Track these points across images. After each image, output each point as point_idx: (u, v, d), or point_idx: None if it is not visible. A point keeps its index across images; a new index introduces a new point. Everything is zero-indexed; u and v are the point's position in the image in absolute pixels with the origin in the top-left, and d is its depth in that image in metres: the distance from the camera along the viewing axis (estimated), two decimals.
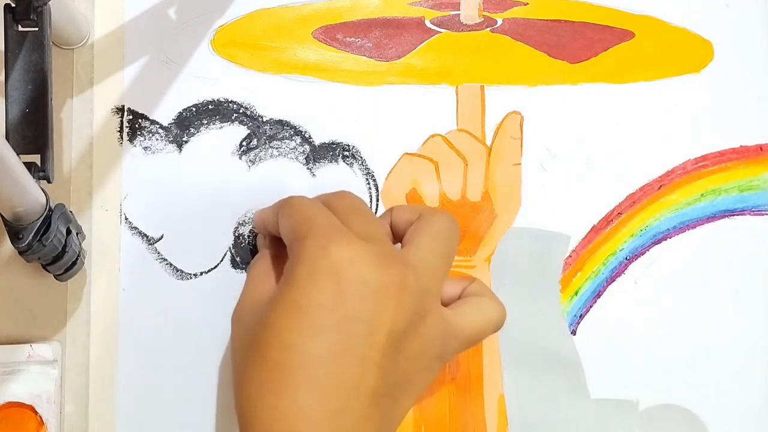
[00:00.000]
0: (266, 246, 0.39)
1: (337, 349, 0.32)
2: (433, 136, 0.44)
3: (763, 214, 0.44)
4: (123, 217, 0.43)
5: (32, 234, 0.36)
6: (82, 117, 0.44)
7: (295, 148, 0.44)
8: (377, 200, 0.44)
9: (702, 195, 0.44)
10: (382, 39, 0.45)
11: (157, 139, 0.44)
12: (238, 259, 0.43)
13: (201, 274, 0.43)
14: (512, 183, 0.44)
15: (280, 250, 0.38)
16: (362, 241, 0.34)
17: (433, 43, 0.45)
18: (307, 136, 0.44)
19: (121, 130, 0.44)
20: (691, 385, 0.43)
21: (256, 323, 0.34)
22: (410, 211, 0.38)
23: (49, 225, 0.37)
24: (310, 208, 0.36)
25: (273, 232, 0.38)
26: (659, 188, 0.44)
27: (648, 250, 0.44)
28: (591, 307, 0.44)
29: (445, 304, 0.37)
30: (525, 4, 0.46)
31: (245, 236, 0.43)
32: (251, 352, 0.33)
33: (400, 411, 0.34)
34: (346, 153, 0.44)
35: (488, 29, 0.45)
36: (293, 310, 0.32)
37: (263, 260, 0.38)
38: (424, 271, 0.35)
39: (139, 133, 0.44)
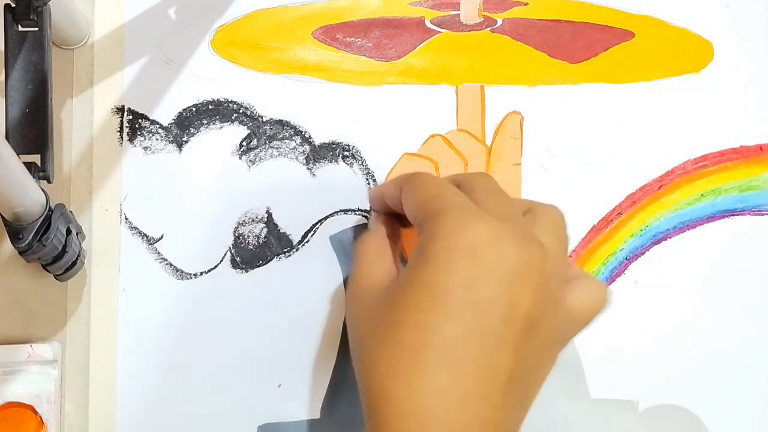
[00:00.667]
0: (380, 222, 0.38)
1: (475, 331, 0.31)
2: (433, 136, 0.44)
3: (763, 214, 0.44)
4: (123, 217, 0.43)
5: (32, 234, 0.36)
6: (82, 117, 0.44)
7: (295, 148, 0.44)
8: None
9: (702, 195, 0.44)
10: (382, 39, 0.45)
11: (157, 139, 0.44)
12: (238, 259, 0.43)
13: (201, 274, 0.43)
14: (512, 183, 0.44)
15: (393, 229, 0.37)
16: (501, 222, 0.32)
17: (433, 43, 0.45)
18: (307, 136, 0.44)
19: (121, 130, 0.44)
20: (691, 385, 0.43)
21: (384, 303, 0.33)
22: (523, 202, 0.37)
23: (49, 225, 0.37)
24: (441, 185, 0.35)
25: (394, 207, 0.37)
26: (659, 188, 0.44)
27: (648, 250, 0.44)
28: None
29: None
30: (525, 4, 0.46)
31: (245, 236, 0.43)
32: (381, 333, 0.32)
33: (529, 401, 0.33)
34: (346, 153, 0.44)
35: (488, 29, 0.45)
36: (430, 290, 0.31)
37: (375, 238, 0.37)
38: (553, 256, 0.34)
39: (139, 133, 0.44)
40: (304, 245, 0.43)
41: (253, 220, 0.43)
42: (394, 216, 0.39)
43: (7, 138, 0.38)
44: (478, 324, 0.31)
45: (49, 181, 0.38)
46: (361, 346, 0.34)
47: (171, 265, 0.43)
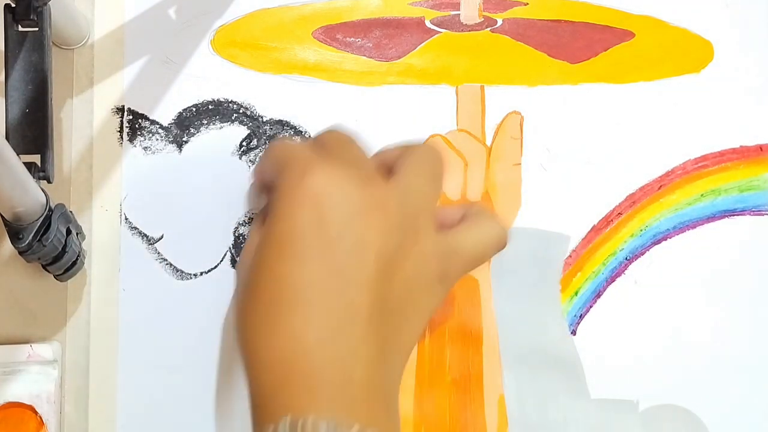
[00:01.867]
0: (261, 201, 0.38)
1: (327, 273, 0.31)
2: (433, 136, 0.44)
3: (763, 214, 0.44)
4: (123, 217, 0.43)
5: (32, 234, 0.36)
6: (82, 117, 0.44)
7: None
8: None
9: (702, 195, 0.44)
10: (382, 39, 0.45)
11: (157, 139, 0.44)
12: (238, 259, 0.43)
13: (201, 274, 0.43)
14: (512, 183, 0.44)
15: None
16: (342, 166, 0.33)
17: (433, 43, 0.45)
18: (307, 136, 0.44)
19: (121, 130, 0.44)
20: (691, 385, 0.43)
21: (249, 269, 0.33)
22: (397, 148, 0.38)
23: (49, 225, 0.37)
24: (289, 146, 0.35)
25: (265, 180, 0.37)
26: (659, 188, 0.44)
27: (648, 250, 0.44)
28: (591, 307, 0.44)
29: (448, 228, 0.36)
30: (525, 4, 0.46)
31: (245, 236, 0.43)
32: (246, 297, 0.33)
33: (404, 336, 0.34)
34: None
35: (488, 29, 0.45)
36: (279, 241, 0.32)
37: (257, 216, 0.37)
38: (412, 192, 0.34)
39: (139, 133, 0.44)
40: None
41: (253, 220, 0.43)
42: None
43: (7, 138, 0.38)
44: (329, 266, 0.31)
45: (49, 181, 0.38)
46: (235, 318, 0.34)
47: (171, 265, 0.43)
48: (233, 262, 0.43)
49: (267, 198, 0.37)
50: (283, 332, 0.31)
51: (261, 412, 0.32)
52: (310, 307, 0.31)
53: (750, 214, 0.44)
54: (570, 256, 0.44)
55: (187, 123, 0.44)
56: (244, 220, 0.43)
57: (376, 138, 0.44)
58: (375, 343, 0.32)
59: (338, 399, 0.31)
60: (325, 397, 0.30)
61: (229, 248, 0.43)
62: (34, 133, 0.38)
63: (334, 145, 0.36)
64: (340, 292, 0.31)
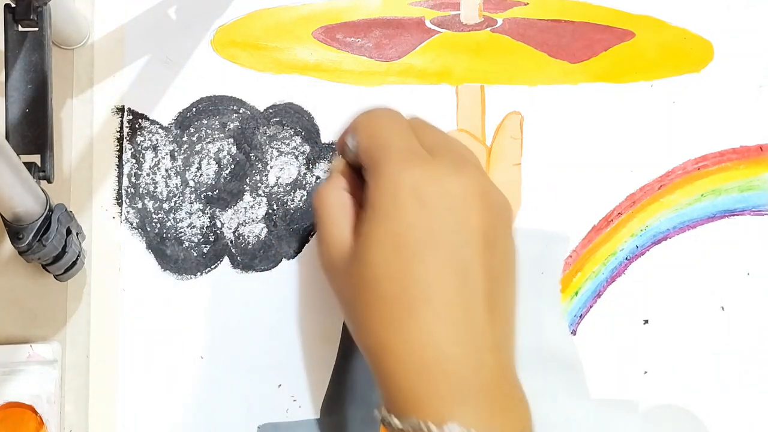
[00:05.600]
0: (339, 169, 0.38)
1: (442, 264, 0.33)
2: None
3: (763, 214, 0.44)
4: (123, 217, 0.43)
5: (32, 234, 0.36)
6: (82, 117, 0.44)
7: (295, 148, 0.44)
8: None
9: (702, 195, 0.44)
10: (382, 39, 0.45)
11: (157, 139, 0.44)
12: (238, 259, 0.43)
13: (201, 274, 0.43)
14: (512, 183, 0.44)
15: (352, 176, 0.38)
16: (435, 156, 0.35)
17: (433, 43, 0.45)
18: (307, 136, 0.44)
19: (121, 130, 0.44)
20: (691, 385, 0.43)
21: (355, 264, 0.34)
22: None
23: (49, 225, 0.37)
24: (388, 126, 0.36)
25: (347, 157, 0.38)
26: (659, 188, 0.44)
27: (648, 250, 0.44)
28: (591, 307, 0.44)
29: None
30: (525, 4, 0.46)
31: (245, 236, 0.43)
32: (362, 291, 0.34)
33: (511, 314, 0.35)
34: None
35: (488, 29, 0.45)
36: (390, 240, 0.33)
37: (334, 191, 0.37)
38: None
39: (139, 133, 0.44)
40: (304, 245, 0.43)
41: (253, 220, 0.43)
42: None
43: (7, 138, 0.38)
44: (442, 256, 0.33)
45: (49, 181, 0.38)
46: (349, 310, 0.35)
47: (171, 265, 0.43)
48: (233, 262, 0.43)
49: (346, 173, 0.38)
50: (415, 327, 0.32)
51: (397, 404, 0.32)
52: (435, 300, 0.32)
53: (750, 214, 0.44)
54: (570, 256, 0.44)
55: (187, 123, 0.44)
56: (244, 220, 0.43)
57: None
58: (497, 324, 0.33)
59: (472, 395, 0.32)
60: (460, 395, 0.32)
61: (229, 248, 0.43)
62: (34, 133, 0.38)
63: (424, 130, 0.37)
64: (458, 281, 0.33)
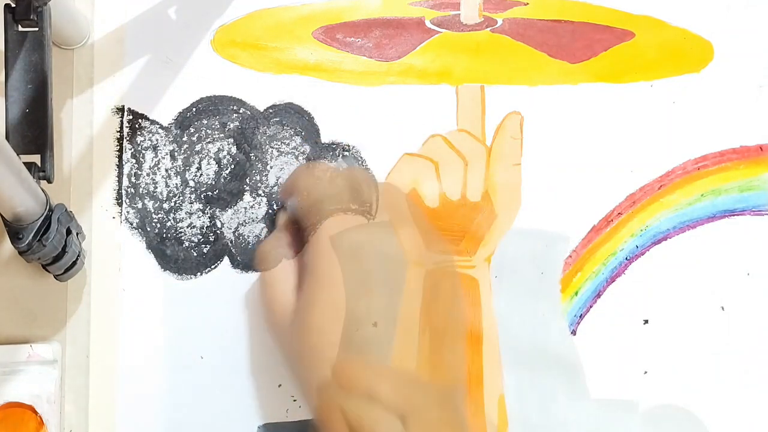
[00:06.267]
0: (282, 225, 0.39)
1: (384, 306, 0.34)
2: (433, 136, 0.44)
3: (763, 214, 0.44)
4: (123, 217, 0.43)
5: (32, 234, 0.36)
6: (82, 117, 0.44)
7: (295, 148, 0.44)
8: (377, 200, 0.44)
9: (702, 195, 0.44)
10: (382, 39, 0.45)
11: (157, 139, 0.44)
12: (238, 259, 0.43)
13: (201, 274, 0.43)
14: (512, 183, 0.44)
15: (296, 231, 0.39)
16: (373, 216, 0.36)
17: (433, 43, 0.45)
18: (307, 136, 0.44)
19: (121, 130, 0.44)
20: (691, 385, 0.43)
21: (297, 325, 0.35)
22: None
23: (49, 225, 0.37)
24: (323, 191, 0.37)
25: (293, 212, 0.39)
26: (659, 188, 0.44)
27: (648, 250, 0.44)
28: (591, 307, 0.44)
29: None
30: (525, 4, 0.46)
31: (245, 236, 0.43)
32: (303, 357, 0.35)
33: (459, 338, 0.38)
34: (346, 153, 0.44)
35: (488, 29, 0.45)
36: (329, 306, 0.34)
37: (277, 250, 0.38)
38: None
39: (139, 133, 0.44)
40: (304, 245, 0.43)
41: (253, 220, 0.43)
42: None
43: (7, 138, 0.38)
44: (383, 299, 0.35)
45: (49, 181, 0.38)
46: (293, 369, 0.36)
47: (171, 265, 0.43)
48: (233, 262, 0.43)
49: (287, 231, 0.39)
50: (360, 364, 0.34)
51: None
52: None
53: (750, 214, 0.44)
54: (570, 256, 0.44)
55: (187, 123, 0.44)
56: (245, 220, 0.43)
57: (376, 138, 0.44)
58: (433, 349, 0.35)
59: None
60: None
61: (229, 248, 0.43)
62: (34, 133, 0.38)
63: (350, 183, 0.38)
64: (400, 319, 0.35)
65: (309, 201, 0.36)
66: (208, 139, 0.44)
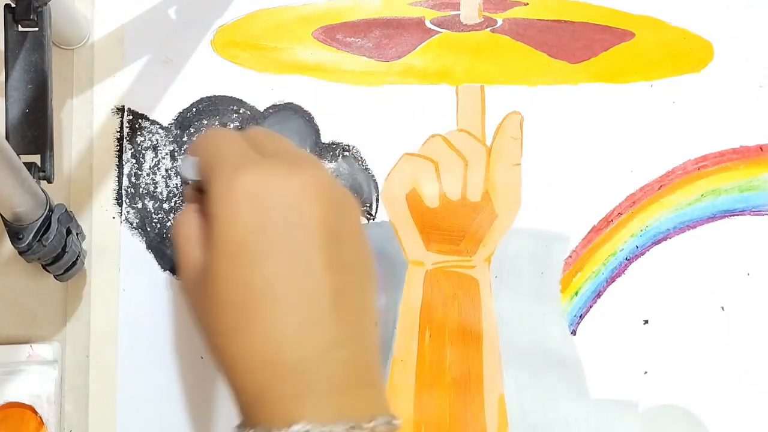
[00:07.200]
0: (189, 198, 0.38)
1: (284, 265, 0.32)
2: (433, 136, 0.44)
3: (763, 214, 0.44)
4: (123, 217, 0.43)
5: (32, 234, 0.36)
6: (82, 117, 0.44)
7: None
8: (377, 200, 0.44)
9: (702, 195, 0.44)
10: (382, 39, 0.45)
11: (157, 139, 0.44)
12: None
13: None
14: (512, 183, 0.44)
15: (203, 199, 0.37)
16: (269, 158, 0.34)
17: (433, 43, 0.45)
18: (307, 136, 0.44)
19: (121, 130, 0.44)
20: (691, 385, 0.43)
21: (203, 278, 0.33)
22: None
23: (49, 225, 0.37)
24: (220, 140, 0.36)
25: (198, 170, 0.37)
26: (659, 188, 0.44)
27: (648, 250, 0.44)
28: (591, 307, 0.44)
29: None
30: (525, 4, 0.46)
31: None
32: (211, 306, 0.33)
33: (368, 313, 0.34)
34: (347, 153, 0.44)
35: (488, 29, 0.45)
36: (230, 249, 0.32)
37: (188, 217, 0.36)
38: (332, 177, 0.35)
39: (139, 133, 0.44)
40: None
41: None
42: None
43: (7, 138, 0.38)
44: (285, 259, 0.32)
45: (49, 181, 0.38)
46: (201, 327, 0.34)
47: (171, 265, 0.43)
48: None
49: (195, 198, 0.37)
50: (258, 334, 0.31)
51: (250, 415, 0.32)
52: (277, 304, 0.31)
53: (750, 214, 0.44)
54: (570, 256, 0.44)
55: (187, 123, 0.44)
56: None
57: (376, 138, 0.44)
58: (347, 319, 0.32)
59: (319, 392, 0.31)
60: (308, 394, 0.31)
61: None
62: (34, 133, 0.38)
63: (259, 137, 0.36)
64: (302, 281, 0.32)
65: (205, 156, 0.35)
66: None
